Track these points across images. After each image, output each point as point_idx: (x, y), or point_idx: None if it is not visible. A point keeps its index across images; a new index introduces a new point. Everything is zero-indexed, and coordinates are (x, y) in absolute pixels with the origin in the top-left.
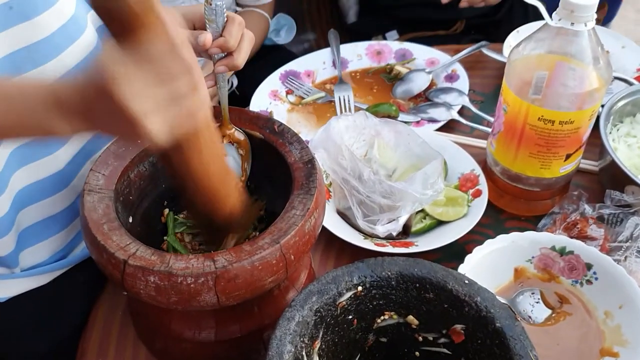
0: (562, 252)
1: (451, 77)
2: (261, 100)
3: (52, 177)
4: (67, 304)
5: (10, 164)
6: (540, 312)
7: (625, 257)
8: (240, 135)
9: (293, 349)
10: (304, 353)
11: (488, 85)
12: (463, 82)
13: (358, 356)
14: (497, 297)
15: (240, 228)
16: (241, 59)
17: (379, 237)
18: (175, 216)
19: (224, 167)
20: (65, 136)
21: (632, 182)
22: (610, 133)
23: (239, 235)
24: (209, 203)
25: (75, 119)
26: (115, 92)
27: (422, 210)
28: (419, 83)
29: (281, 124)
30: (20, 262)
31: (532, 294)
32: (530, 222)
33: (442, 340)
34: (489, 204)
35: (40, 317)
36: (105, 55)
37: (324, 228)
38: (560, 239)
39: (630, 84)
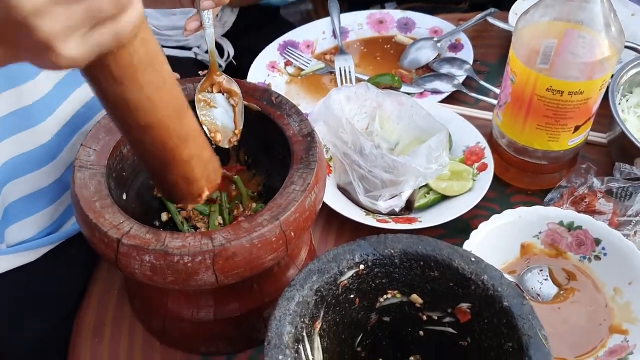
0: (570, 227)
1: (455, 47)
2: (259, 72)
3: (38, 150)
4: (61, 281)
5: None
6: (549, 290)
7: (635, 232)
8: (230, 84)
9: (293, 330)
10: (304, 334)
11: (493, 55)
12: (467, 52)
13: (361, 336)
14: (505, 275)
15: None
16: None
17: (381, 214)
18: None
19: (176, 99)
20: None
21: None
22: (619, 104)
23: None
24: (159, 145)
25: None
26: (14, 8)
27: (426, 185)
28: (427, 53)
29: (279, 95)
30: (6, 239)
31: (541, 271)
32: (537, 197)
33: (448, 319)
34: (495, 178)
35: (32, 296)
36: None
37: (324, 204)
38: (568, 214)
39: None
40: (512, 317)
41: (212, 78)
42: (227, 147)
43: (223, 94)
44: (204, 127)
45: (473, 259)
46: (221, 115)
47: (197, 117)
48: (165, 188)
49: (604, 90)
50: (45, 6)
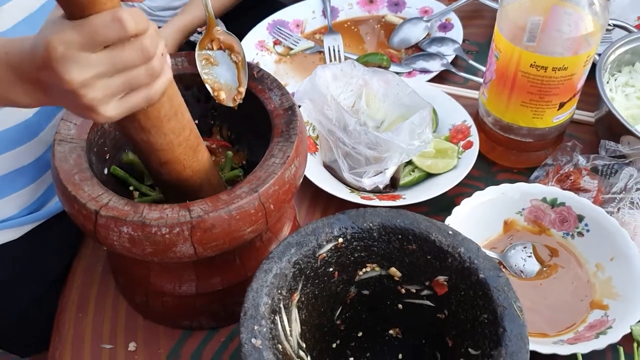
0: (553, 203)
1: (445, 27)
2: (247, 51)
3: (18, 126)
4: (45, 258)
5: None
6: (532, 267)
7: (619, 209)
8: (230, 39)
9: (270, 301)
10: (281, 305)
11: (483, 34)
12: (457, 32)
13: (340, 309)
14: (488, 252)
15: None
16: None
17: (366, 191)
18: None
19: (194, 138)
20: (28, 106)
21: (628, 132)
22: (607, 82)
23: None
24: (175, 175)
25: (29, 86)
26: (62, 76)
27: (411, 163)
28: (416, 32)
29: (260, 69)
30: None
31: (524, 248)
32: (523, 175)
33: (425, 292)
34: (481, 156)
35: (16, 272)
36: (52, 29)
37: (309, 181)
38: (552, 190)
39: (630, 31)
40: (488, 288)
41: (211, 33)
42: (232, 105)
43: (224, 50)
44: (207, 85)
45: (450, 232)
46: (224, 73)
47: (199, 74)
48: (173, 201)
49: (588, 67)
50: (91, 80)
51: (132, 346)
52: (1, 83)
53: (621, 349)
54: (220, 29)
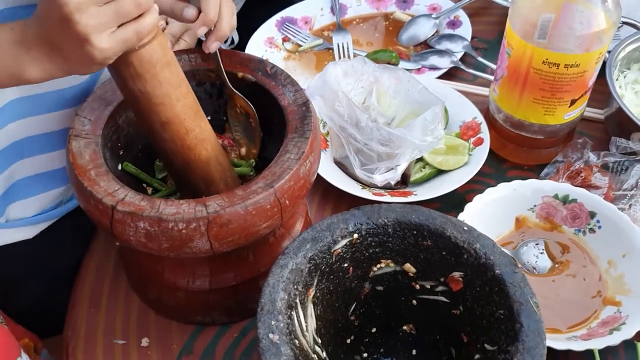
0: (565, 200)
1: (453, 24)
2: (256, 48)
3: (57, 133)
4: (59, 254)
5: (10, 111)
6: (544, 263)
7: (630, 206)
8: (247, 106)
9: (286, 297)
10: (297, 301)
11: (492, 31)
12: (466, 29)
13: (354, 305)
14: (501, 247)
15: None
16: (225, 25)
17: (377, 187)
18: None
19: (192, 101)
20: (36, 79)
21: (638, 128)
22: (617, 80)
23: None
24: (179, 141)
25: (40, 52)
26: (63, 5)
27: (422, 159)
28: (425, 29)
29: (274, 65)
30: (7, 214)
31: (536, 244)
32: (533, 172)
33: (440, 288)
34: (491, 153)
35: (30, 267)
36: None
37: (320, 178)
38: (563, 187)
39: (639, 29)
40: (504, 284)
41: (233, 99)
42: (246, 164)
43: (242, 113)
44: (235, 138)
45: (465, 228)
46: (244, 132)
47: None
48: (187, 191)
49: (600, 64)
50: (83, 4)
51: (144, 342)
52: (8, 59)
53: (639, 345)
54: (239, 95)
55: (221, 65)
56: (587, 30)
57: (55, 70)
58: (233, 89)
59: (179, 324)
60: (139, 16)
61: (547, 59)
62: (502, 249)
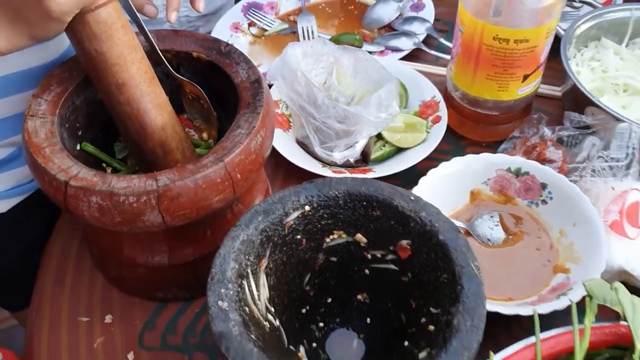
0: (518, 173)
1: (417, 7)
2: (222, 33)
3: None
4: (28, 227)
5: None
6: (499, 235)
7: (581, 176)
8: (195, 90)
9: (237, 266)
10: (249, 270)
11: (454, 14)
12: (429, 11)
13: (309, 275)
14: (455, 221)
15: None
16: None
17: (337, 165)
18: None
19: (147, 67)
20: (1, 50)
21: (592, 103)
22: (574, 57)
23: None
24: (134, 105)
25: (2, 19)
26: None
27: (382, 138)
28: (389, 12)
29: (227, 44)
30: None
31: (491, 217)
32: (492, 148)
33: (390, 257)
34: (451, 131)
35: (1, 239)
36: None
37: (283, 158)
38: (516, 160)
39: (595, 7)
40: (447, 249)
41: (183, 84)
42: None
43: (193, 98)
44: (195, 125)
45: (412, 198)
46: (201, 117)
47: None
48: (144, 159)
49: (550, 39)
50: None
51: (108, 318)
52: None
53: (573, 304)
54: (184, 79)
55: (161, 54)
56: (538, 5)
57: (20, 38)
58: (175, 73)
59: (142, 300)
60: None
61: (497, 35)
62: (447, 217)
